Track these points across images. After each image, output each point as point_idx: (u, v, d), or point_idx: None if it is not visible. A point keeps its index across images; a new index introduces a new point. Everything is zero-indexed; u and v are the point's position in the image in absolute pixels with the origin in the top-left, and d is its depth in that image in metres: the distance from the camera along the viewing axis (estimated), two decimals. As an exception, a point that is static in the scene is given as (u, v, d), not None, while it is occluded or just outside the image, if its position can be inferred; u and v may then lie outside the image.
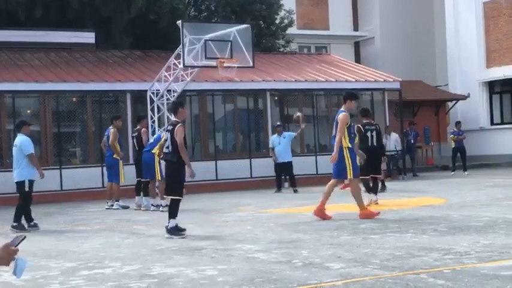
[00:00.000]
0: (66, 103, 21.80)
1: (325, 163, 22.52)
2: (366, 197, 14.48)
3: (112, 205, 16.13)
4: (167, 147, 10.58)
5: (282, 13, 30.21)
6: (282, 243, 8.96)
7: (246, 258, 7.97)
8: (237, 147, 24.01)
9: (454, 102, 31.29)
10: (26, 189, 12.17)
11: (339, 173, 11.70)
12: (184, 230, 10.25)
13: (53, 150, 21.07)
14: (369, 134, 14.77)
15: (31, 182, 12.21)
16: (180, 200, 10.42)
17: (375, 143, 14.86)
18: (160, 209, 14.80)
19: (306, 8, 34.84)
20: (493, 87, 30.98)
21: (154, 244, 9.55)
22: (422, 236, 9.07)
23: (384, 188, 17.69)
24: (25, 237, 3.94)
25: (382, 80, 25.45)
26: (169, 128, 10.67)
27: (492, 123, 30.56)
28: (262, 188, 21.09)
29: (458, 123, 25.52)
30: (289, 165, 19.76)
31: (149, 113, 20.40)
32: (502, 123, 30.15)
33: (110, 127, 16.47)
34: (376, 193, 14.51)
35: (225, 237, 9.94)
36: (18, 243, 3.88)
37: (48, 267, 7.92)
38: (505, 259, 7.16)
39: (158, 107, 20.70)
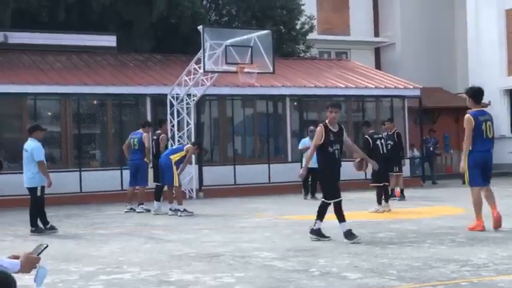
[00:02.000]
0: (87, 106, 21.96)
1: (344, 169, 22.57)
2: (381, 206, 14.55)
3: (131, 208, 16.20)
4: None
5: (302, 18, 30.22)
6: (299, 251, 8.99)
7: (264, 265, 8.01)
8: (256, 152, 24.05)
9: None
10: (38, 194, 12.25)
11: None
12: (327, 237, 10.05)
13: (73, 152, 21.24)
14: (378, 142, 14.95)
15: (43, 188, 12.30)
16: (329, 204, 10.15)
17: (385, 151, 15.06)
18: (179, 213, 14.89)
19: (327, 13, 34.83)
20: (514, 95, 30.79)
21: (172, 249, 9.61)
22: (440, 247, 9.05)
23: (403, 196, 17.76)
24: (47, 246, 4.01)
25: (402, 87, 25.38)
26: None
27: (513, 131, 30.38)
28: (281, 193, 21.11)
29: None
30: (317, 171, 19.56)
31: (169, 117, 20.51)
32: (522, 131, 29.95)
33: (140, 130, 16.54)
34: (387, 201, 14.75)
35: (242, 244, 9.97)
36: (41, 252, 3.96)
37: (68, 271, 8.00)
38: (523, 272, 7.14)
39: (178, 111, 20.81)
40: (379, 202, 14.68)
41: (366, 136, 15.22)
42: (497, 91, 30.64)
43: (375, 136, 15.13)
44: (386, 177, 14.96)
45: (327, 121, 10.34)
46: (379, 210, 14.50)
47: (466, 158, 10.53)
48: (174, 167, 15.03)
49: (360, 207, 15.30)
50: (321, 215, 10.11)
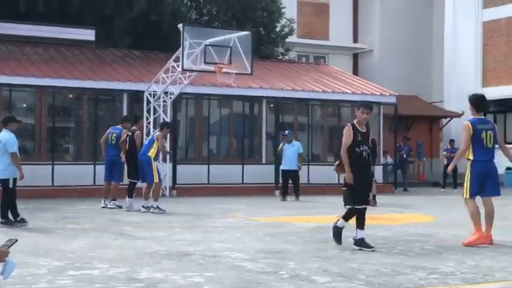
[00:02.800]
0: (62, 99, 21.83)
1: (318, 173, 22.71)
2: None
3: (107, 204, 16.12)
4: None
5: (282, 21, 30.32)
6: (269, 253, 9.03)
7: (234, 266, 8.03)
8: (230, 152, 24.09)
9: (448, 119, 31.44)
10: (10, 186, 12.17)
11: None
12: (371, 247, 9.38)
13: (46, 145, 21.09)
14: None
15: (15, 180, 12.22)
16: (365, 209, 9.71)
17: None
18: (151, 210, 14.89)
19: (307, 17, 34.97)
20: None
21: (142, 247, 9.60)
22: (409, 254, 9.15)
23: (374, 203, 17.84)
24: (17, 240, 4.00)
25: (379, 93, 25.56)
26: None
27: (485, 142, 30.70)
28: (253, 194, 21.16)
29: (452, 141, 25.71)
30: (295, 173, 19.92)
31: (145, 114, 20.47)
32: (495, 142, 30.34)
33: (118, 126, 16.44)
34: None
35: (213, 244, 9.99)
36: (11, 245, 3.95)
37: (36, 265, 7.95)
38: (489, 282, 7.24)
39: (154, 109, 20.78)
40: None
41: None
42: (471, 102, 30.93)
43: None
44: None
45: (355, 121, 9.93)
46: None
47: (468, 165, 10.04)
48: (154, 163, 15.04)
49: (332, 211, 15.36)
50: (357, 221, 9.50)
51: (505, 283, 7.22)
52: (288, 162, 19.85)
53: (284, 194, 19.80)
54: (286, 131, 20.88)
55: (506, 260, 8.71)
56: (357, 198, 9.59)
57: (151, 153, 15.07)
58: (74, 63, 22.63)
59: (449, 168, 10.62)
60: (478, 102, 10.36)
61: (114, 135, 16.29)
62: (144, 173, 15.26)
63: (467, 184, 10.09)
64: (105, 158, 16.76)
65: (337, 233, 9.67)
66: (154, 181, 15.15)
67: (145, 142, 15.82)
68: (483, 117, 10.43)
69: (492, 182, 10.17)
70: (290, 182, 19.88)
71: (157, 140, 15.18)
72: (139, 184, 15.97)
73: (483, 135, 10.04)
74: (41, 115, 20.96)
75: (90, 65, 22.80)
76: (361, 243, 9.43)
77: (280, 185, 20.74)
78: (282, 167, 20.12)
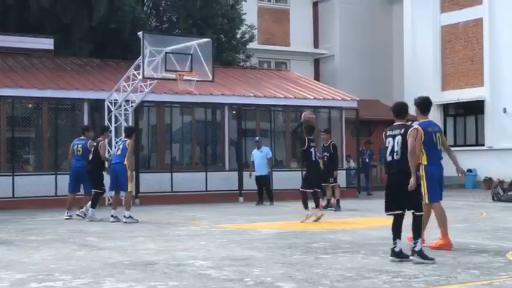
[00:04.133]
0: (22, 109, 21.54)
1: (280, 179, 22.73)
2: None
3: (71, 216, 15.81)
4: None
5: (243, 28, 30.35)
6: (234, 260, 9.00)
7: (198, 274, 7.99)
8: (193, 160, 24.00)
9: (409, 122, 31.69)
10: None
11: None
12: (431, 259, 8.66)
13: (6, 155, 20.77)
14: (312, 149, 14.99)
15: None
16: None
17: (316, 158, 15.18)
18: (124, 220, 14.70)
19: (267, 23, 35.06)
20: (447, 109, 31.54)
21: (106, 257, 9.49)
22: (373, 257, 9.20)
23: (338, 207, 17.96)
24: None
25: (340, 98, 25.72)
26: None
27: (445, 145, 31.05)
28: (217, 201, 21.10)
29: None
30: (265, 178, 20.26)
31: (106, 122, 20.30)
32: (455, 145, 30.65)
33: (82, 137, 16.24)
34: (317, 206, 14.66)
35: (177, 252, 9.93)
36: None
37: (-3, 278, 7.82)
38: (452, 284, 7.31)
39: (116, 117, 20.61)
40: (306, 207, 14.57)
41: (305, 137, 15.05)
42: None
43: (311, 144, 15.11)
44: (316, 184, 14.96)
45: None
46: (308, 215, 14.40)
47: (416, 173, 9.14)
48: (128, 172, 14.92)
49: (295, 217, 15.40)
50: (394, 231, 8.92)
51: (468, 284, 7.30)
52: (258, 168, 20.37)
53: (259, 199, 20.40)
54: (257, 137, 21.02)
55: (469, 261, 8.80)
56: (386, 204, 9.24)
57: (128, 163, 14.93)
58: (33, 73, 22.35)
59: (410, 185, 8.90)
60: (423, 104, 10.03)
61: (80, 146, 16.07)
62: (121, 182, 15.07)
63: (425, 189, 9.79)
64: (70, 168, 16.49)
65: (422, 255, 8.76)
66: (128, 190, 15.03)
67: (117, 151, 15.50)
68: (429, 119, 10.15)
69: (441, 186, 10.13)
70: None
71: (128, 147, 15.02)
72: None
73: (434, 138, 9.89)
74: (0, 125, 20.63)
75: (49, 74, 22.54)
76: (399, 254, 8.84)
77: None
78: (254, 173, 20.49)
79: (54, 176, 20.16)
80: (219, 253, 9.78)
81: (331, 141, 18.21)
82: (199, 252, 9.97)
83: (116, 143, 16.59)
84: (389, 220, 10.83)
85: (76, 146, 16.13)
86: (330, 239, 11.46)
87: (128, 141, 15.19)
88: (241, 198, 22.24)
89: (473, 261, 8.76)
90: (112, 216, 15.04)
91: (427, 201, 9.88)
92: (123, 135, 16.00)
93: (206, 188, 22.41)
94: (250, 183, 21.24)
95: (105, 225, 14.49)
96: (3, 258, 9.52)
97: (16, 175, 20.04)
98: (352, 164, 27.21)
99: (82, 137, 16.27)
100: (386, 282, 7.36)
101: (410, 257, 8.69)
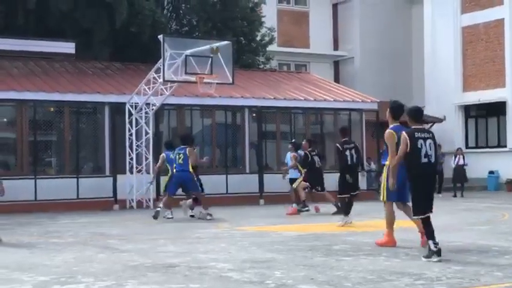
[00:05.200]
0: (43, 112, 21.71)
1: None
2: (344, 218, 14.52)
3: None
4: None
5: (263, 30, 30.39)
6: (255, 263, 8.99)
7: (219, 277, 7.99)
8: (214, 162, 24.03)
9: (430, 124, 31.56)
10: None
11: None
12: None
13: (28, 159, 20.95)
14: (347, 152, 14.73)
15: None
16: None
17: (354, 161, 14.87)
18: (208, 217, 15.94)
19: (287, 25, 35.06)
20: (468, 111, 31.36)
21: (127, 260, 9.53)
22: (394, 260, 9.15)
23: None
24: None
25: (360, 100, 25.65)
26: None
27: (467, 146, 30.88)
28: (238, 204, 21.11)
29: (438, 147, 25.75)
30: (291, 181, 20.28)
31: (127, 125, 20.40)
32: (477, 147, 30.50)
33: (182, 146, 16.39)
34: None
35: (198, 255, 9.94)
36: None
37: (21, 281, 7.88)
38: (475, 286, 7.25)
39: (136, 120, 20.71)
40: (346, 213, 14.35)
41: (337, 144, 14.87)
42: (452, 106, 31.18)
43: (345, 146, 14.75)
44: (354, 187, 14.80)
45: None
46: (347, 222, 14.14)
47: (395, 176, 9.66)
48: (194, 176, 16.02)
49: (316, 220, 15.38)
50: (427, 232, 9.17)
51: (491, 287, 7.24)
52: (291, 170, 20.08)
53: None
54: (293, 140, 20.89)
55: (492, 263, 8.74)
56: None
57: (192, 166, 15.93)
58: (55, 77, 22.52)
59: (390, 185, 9.69)
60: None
61: (182, 154, 16.11)
62: (191, 187, 16.19)
63: (384, 188, 10.39)
64: (173, 174, 16.45)
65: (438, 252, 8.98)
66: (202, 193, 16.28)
67: (179, 158, 15.78)
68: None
69: (405, 188, 10.18)
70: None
71: (190, 155, 15.93)
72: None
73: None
74: (22, 129, 20.82)
75: (70, 77, 22.70)
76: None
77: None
78: None
79: (75, 179, 20.29)
80: (240, 255, 9.78)
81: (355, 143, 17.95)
82: (220, 254, 9.98)
83: (176, 152, 16.54)
84: (409, 222, 10.81)
85: (178, 155, 16.21)
86: (351, 241, 11.41)
87: (188, 148, 15.86)
88: (261, 201, 22.23)
89: (496, 264, 8.69)
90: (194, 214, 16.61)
91: (384, 199, 10.53)
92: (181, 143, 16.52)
93: (227, 191, 22.44)
94: (271, 186, 21.21)
95: (126, 227, 14.56)
96: (26, 260, 9.60)
97: (38, 178, 20.20)
98: (373, 166, 27.11)
99: (182, 146, 16.36)
100: (409, 284, 7.32)
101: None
